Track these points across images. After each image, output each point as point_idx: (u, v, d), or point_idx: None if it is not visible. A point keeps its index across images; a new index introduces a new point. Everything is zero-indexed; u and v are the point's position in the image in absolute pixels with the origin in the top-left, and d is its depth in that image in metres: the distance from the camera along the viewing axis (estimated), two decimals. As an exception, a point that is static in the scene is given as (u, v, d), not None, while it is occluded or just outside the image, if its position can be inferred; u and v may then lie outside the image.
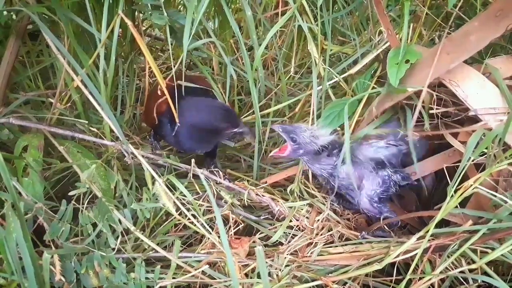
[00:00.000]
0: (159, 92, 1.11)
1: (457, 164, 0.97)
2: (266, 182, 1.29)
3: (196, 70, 1.82)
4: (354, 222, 1.27)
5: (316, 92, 1.24)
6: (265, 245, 1.13)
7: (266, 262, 1.02)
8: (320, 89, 1.27)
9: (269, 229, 1.17)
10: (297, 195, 1.25)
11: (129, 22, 0.99)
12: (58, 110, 1.20)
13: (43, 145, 1.11)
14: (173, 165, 1.19)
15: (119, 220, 1.00)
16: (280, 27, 1.22)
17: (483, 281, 0.95)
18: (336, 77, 1.27)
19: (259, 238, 1.13)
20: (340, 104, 1.20)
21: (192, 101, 1.17)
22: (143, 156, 1.09)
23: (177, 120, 1.12)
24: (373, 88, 1.21)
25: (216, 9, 1.50)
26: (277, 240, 1.13)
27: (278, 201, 1.19)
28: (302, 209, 1.19)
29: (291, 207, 1.19)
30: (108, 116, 1.01)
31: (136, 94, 1.54)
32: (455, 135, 1.14)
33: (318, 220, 1.17)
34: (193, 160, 1.16)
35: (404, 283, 0.93)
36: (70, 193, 1.02)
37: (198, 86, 1.21)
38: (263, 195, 1.19)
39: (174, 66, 1.11)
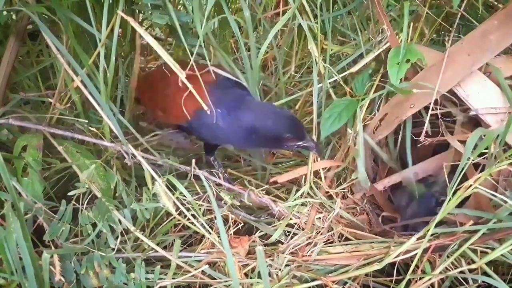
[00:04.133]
0: (180, 84, 1.02)
1: (458, 164, 0.97)
2: (276, 182, 1.26)
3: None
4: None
5: (317, 91, 1.24)
6: (265, 245, 1.13)
7: (266, 262, 1.02)
8: (320, 87, 1.26)
9: (268, 228, 1.17)
10: (307, 193, 1.23)
11: (129, 19, 0.98)
12: (58, 110, 1.20)
13: (42, 145, 1.10)
14: (173, 166, 1.19)
15: (119, 220, 1.00)
16: (281, 26, 1.22)
17: (483, 281, 0.95)
18: (336, 76, 1.26)
19: (259, 237, 1.13)
20: (340, 104, 1.20)
21: (254, 103, 1.11)
22: (142, 156, 1.09)
23: (212, 110, 1.03)
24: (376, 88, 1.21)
25: (216, 9, 1.50)
26: (276, 239, 1.13)
27: (277, 202, 1.18)
28: (303, 209, 1.19)
29: (290, 206, 1.19)
30: (108, 116, 1.01)
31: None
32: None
33: (319, 219, 1.16)
34: (193, 161, 1.15)
35: (404, 283, 0.93)
36: (70, 193, 1.02)
37: (232, 77, 1.14)
38: (262, 196, 1.18)
39: (192, 54, 1.05)
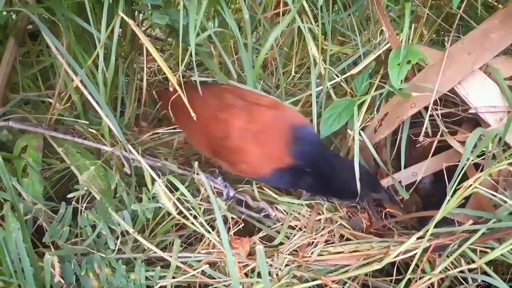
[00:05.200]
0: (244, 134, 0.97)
1: (457, 164, 0.97)
2: None
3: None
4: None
5: (316, 92, 1.24)
6: (266, 246, 1.12)
7: (267, 262, 1.02)
8: (320, 89, 1.26)
9: (270, 228, 1.17)
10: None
11: (130, 22, 0.98)
12: (58, 110, 1.20)
13: (42, 146, 1.10)
14: (173, 169, 1.19)
15: (118, 223, 1.00)
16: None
17: (482, 281, 0.95)
18: (337, 76, 1.27)
19: (260, 239, 1.13)
20: (340, 105, 1.20)
21: (335, 160, 1.07)
22: (142, 157, 1.09)
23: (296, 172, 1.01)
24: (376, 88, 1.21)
25: (215, 9, 1.50)
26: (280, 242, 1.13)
27: (274, 206, 1.18)
28: (301, 209, 1.19)
29: (289, 207, 1.18)
30: (107, 117, 1.01)
31: (138, 94, 1.54)
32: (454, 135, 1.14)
33: (320, 221, 1.16)
34: (196, 163, 1.15)
35: (403, 282, 0.93)
36: (69, 195, 1.02)
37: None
38: (259, 200, 1.18)
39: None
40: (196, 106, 0.99)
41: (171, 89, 0.98)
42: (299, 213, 1.17)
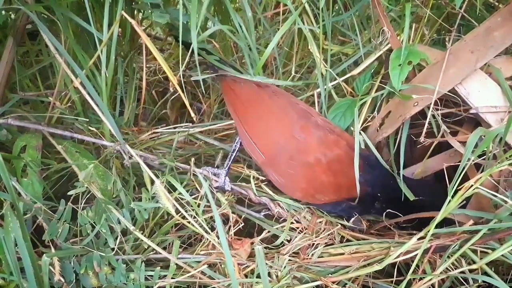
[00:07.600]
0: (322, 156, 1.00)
1: (458, 164, 0.97)
2: None
3: (195, 70, 1.81)
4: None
5: (316, 92, 1.23)
6: (266, 247, 1.12)
7: (266, 264, 1.02)
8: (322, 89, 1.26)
9: (270, 230, 1.17)
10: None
11: (133, 21, 0.98)
12: (58, 110, 1.19)
13: (41, 145, 1.10)
14: (172, 166, 1.18)
15: (118, 220, 1.00)
16: (281, 26, 1.21)
17: (483, 281, 0.95)
18: (337, 78, 1.26)
19: (260, 241, 1.12)
20: (343, 104, 1.20)
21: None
22: (140, 156, 1.08)
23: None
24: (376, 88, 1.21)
25: (215, 9, 1.50)
26: (281, 243, 1.12)
27: (276, 203, 1.18)
28: (302, 211, 1.18)
29: (288, 211, 1.18)
30: (106, 117, 1.00)
31: (137, 94, 1.53)
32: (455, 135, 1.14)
33: (321, 223, 1.16)
34: (192, 159, 1.15)
35: (404, 283, 0.92)
36: (69, 193, 1.01)
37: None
38: (261, 196, 1.18)
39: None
40: (266, 109, 1.07)
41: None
42: (299, 214, 1.16)
